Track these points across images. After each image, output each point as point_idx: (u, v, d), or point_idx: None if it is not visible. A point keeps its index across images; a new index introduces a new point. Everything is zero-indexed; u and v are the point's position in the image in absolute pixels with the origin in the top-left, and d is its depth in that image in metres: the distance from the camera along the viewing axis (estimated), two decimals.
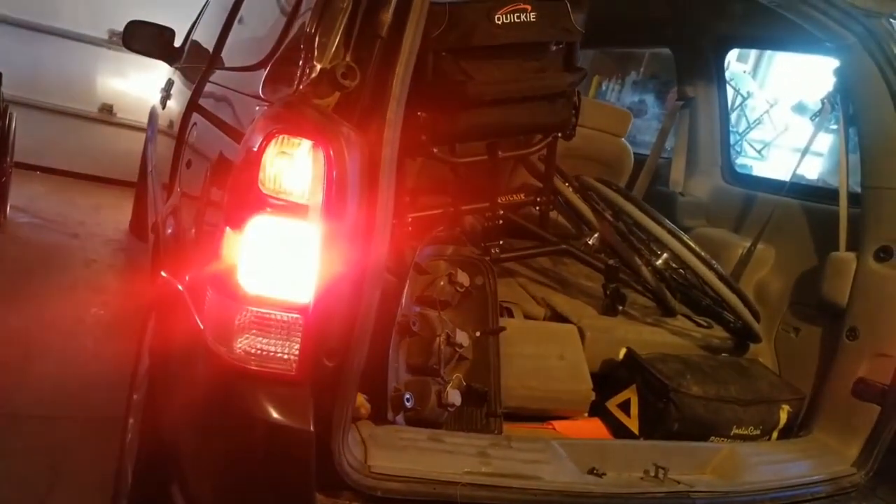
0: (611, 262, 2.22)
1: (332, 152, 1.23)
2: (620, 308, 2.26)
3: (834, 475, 1.92)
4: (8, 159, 4.79)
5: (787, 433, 2.10)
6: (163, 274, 1.80)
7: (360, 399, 1.46)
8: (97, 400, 2.52)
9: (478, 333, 1.72)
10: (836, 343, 2.13)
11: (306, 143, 1.23)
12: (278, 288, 1.26)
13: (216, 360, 1.30)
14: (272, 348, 1.27)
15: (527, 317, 2.15)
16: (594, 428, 1.96)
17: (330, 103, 1.30)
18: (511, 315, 2.08)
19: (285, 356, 1.27)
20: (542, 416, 1.93)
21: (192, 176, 1.90)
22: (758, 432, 1.96)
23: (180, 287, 1.59)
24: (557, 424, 1.92)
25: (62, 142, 5.69)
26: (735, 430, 1.92)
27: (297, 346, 1.27)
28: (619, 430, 1.95)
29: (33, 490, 2.09)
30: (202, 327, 1.36)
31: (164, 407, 1.56)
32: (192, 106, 2.15)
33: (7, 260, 4.29)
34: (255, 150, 1.25)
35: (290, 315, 1.26)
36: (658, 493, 1.56)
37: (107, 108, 6.16)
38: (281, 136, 1.24)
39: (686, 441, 1.85)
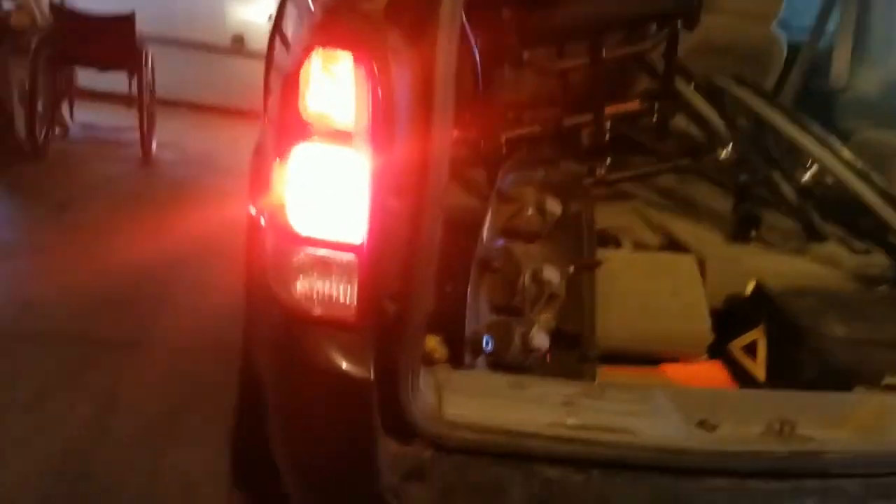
0: (744, 178, 1.90)
1: (375, 67, 1.07)
2: (754, 233, 1.95)
3: None
4: (149, 95, 5.09)
5: None
6: (251, 210, 1.77)
7: (433, 342, 1.35)
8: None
9: (571, 269, 1.53)
10: None
11: (346, 57, 1.08)
12: (328, 226, 1.14)
13: (276, 303, 1.23)
14: (329, 291, 1.17)
15: (638, 246, 1.91)
16: (713, 373, 1.73)
17: (379, 6, 1.13)
18: (619, 245, 1.85)
19: (343, 300, 1.17)
20: (652, 360, 1.72)
21: (270, 104, 1.82)
22: None
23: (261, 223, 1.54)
24: (669, 368, 1.71)
25: (197, 76, 5.93)
26: (889, 380, 1.61)
27: (354, 289, 1.16)
28: (742, 377, 1.71)
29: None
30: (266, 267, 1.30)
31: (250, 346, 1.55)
32: (274, 28, 2.05)
33: (156, 193, 4.61)
34: (295, 67, 1.12)
35: (344, 255, 1.15)
36: (780, 453, 1.33)
37: (238, 40, 6.33)
38: (319, 50, 1.09)
39: (824, 391, 1.58)
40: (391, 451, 1.25)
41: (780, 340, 1.64)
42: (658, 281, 1.73)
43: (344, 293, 1.17)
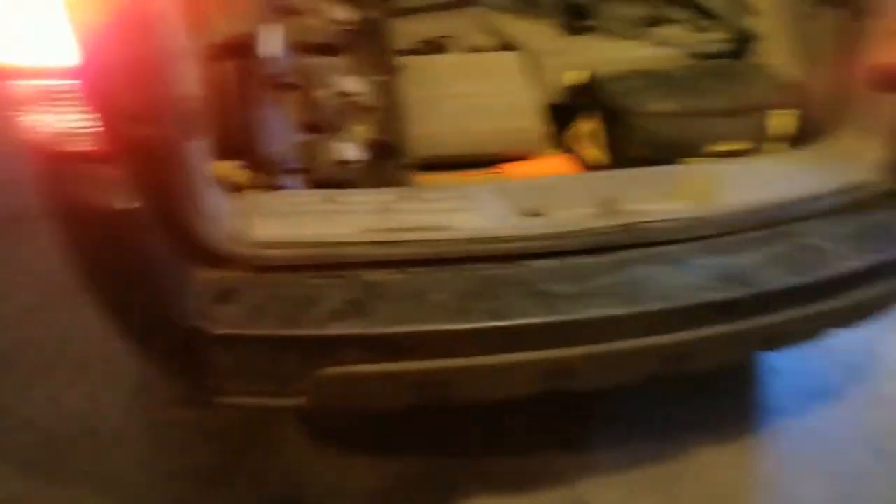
0: None
1: None
2: (587, 24, 1.87)
3: (852, 184, 1.61)
4: None
5: (798, 143, 1.79)
6: None
7: (227, 167, 1.25)
8: None
9: (378, 78, 1.42)
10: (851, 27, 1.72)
11: None
12: (35, 50, 0.98)
13: (27, 145, 1.09)
14: (66, 124, 1.02)
15: (470, 51, 1.81)
16: (558, 165, 1.70)
17: None
18: (442, 51, 1.74)
19: (82, 131, 1.03)
20: (490, 162, 1.67)
21: None
22: (746, 146, 1.64)
23: None
24: (509, 167, 1.66)
25: None
26: (713, 147, 1.61)
27: (89, 118, 1.02)
28: (589, 165, 1.69)
29: None
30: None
31: None
32: None
33: None
34: None
35: (65, 82, 1.00)
36: (602, 228, 1.33)
37: None
38: None
39: (654, 167, 1.57)
40: (199, 277, 1.19)
41: (611, 124, 1.61)
42: (486, 82, 1.65)
43: (81, 124, 1.03)
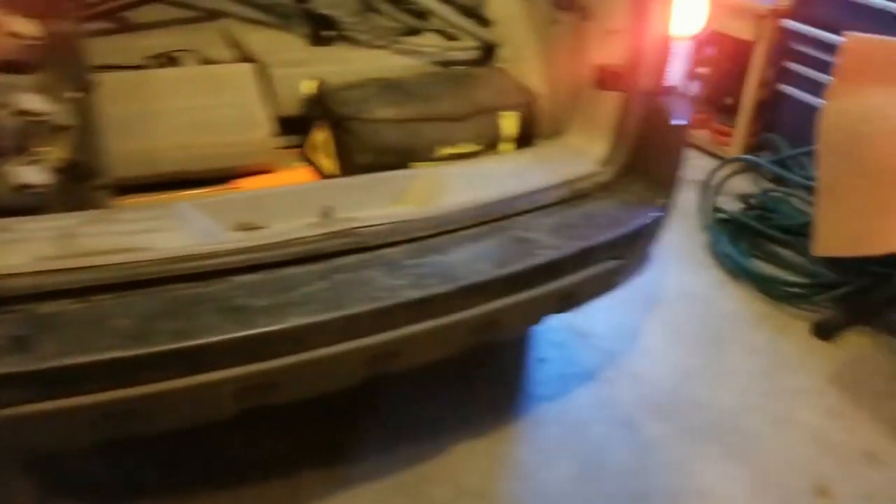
0: None
1: None
2: (334, 34, 1.89)
3: (573, 177, 1.73)
4: None
5: (529, 142, 1.89)
6: None
7: None
8: None
9: (71, 95, 1.35)
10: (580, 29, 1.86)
11: None
12: None
13: None
14: None
15: (207, 64, 1.77)
16: (294, 178, 1.70)
17: None
18: (174, 64, 1.69)
19: None
20: (224, 177, 1.64)
21: None
22: (478, 148, 1.72)
23: None
24: (245, 182, 1.64)
25: None
26: (444, 150, 1.68)
27: None
28: (325, 176, 1.69)
29: None
30: None
31: None
32: None
33: None
34: None
35: None
36: (313, 237, 1.33)
37: None
38: None
39: (383, 173, 1.61)
40: None
41: (338, 132, 1.63)
42: (213, 95, 1.62)
43: None
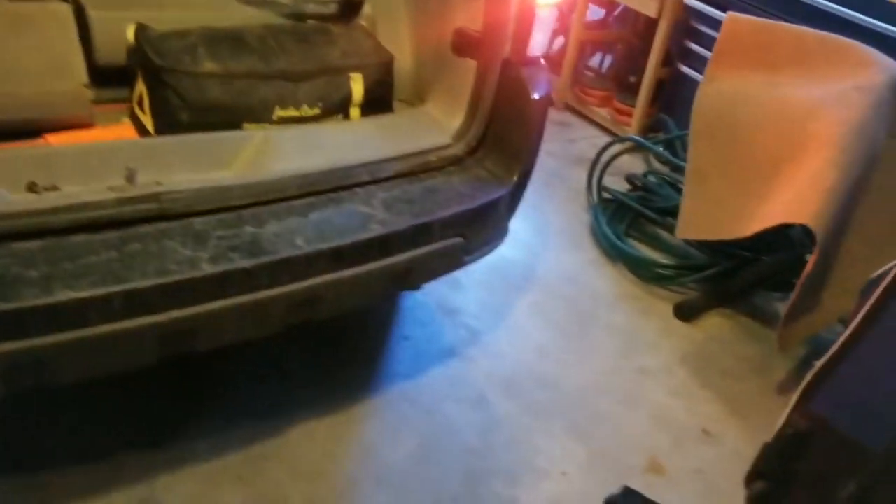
0: None
1: None
2: None
3: (420, 149, 1.66)
4: None
5: (385, 108, 1.81)
6: None
7: None
8: None
9: None
10: None
11: None
12: None
13: None
14: None
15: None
16: (113, 133, 1.56)
17: None
18: None
19: None
20: (30, 132, 1.48)
21: None
22: (316, 111, 1.62)
23: None
24: (55, 137, 1.49)
25: None
26: (281, 112, 1.57)
27: None
28: (144, 133, 1.56)
29: None
30: None
31: None
32: None
33: None
34: None
35: None
36: (107, 202, 1.22)
37: None
38: None
39: (210, 133, 1.49)
40: None
41: (157, 86, 1.50)
42: (14, 38, 1.45)
43: None
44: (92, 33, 1.55)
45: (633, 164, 3.20)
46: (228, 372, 1.88)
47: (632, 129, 3.57)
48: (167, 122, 1.48)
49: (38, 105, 1.46)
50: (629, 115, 3.62)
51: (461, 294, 2.35)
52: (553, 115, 3.93)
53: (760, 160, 2.02)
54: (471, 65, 1.71)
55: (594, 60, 4.47)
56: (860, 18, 2.69)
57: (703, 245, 2.66)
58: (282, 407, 1.80)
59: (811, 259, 1.86)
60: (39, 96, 1.46)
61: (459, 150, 1.70)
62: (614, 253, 2.67)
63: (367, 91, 1.69)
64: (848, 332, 1.52)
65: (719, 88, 2.21)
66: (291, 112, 1.58)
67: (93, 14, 1.56)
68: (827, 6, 2.80)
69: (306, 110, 1.60)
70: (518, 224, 2.82)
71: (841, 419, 1.51)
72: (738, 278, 2.56)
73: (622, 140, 3.19)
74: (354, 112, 1.69)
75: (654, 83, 3.49)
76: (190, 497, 1.53)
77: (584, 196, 3.01)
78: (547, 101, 1.74)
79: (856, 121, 1.88)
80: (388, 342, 2.10)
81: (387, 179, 1.55)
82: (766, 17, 2.33)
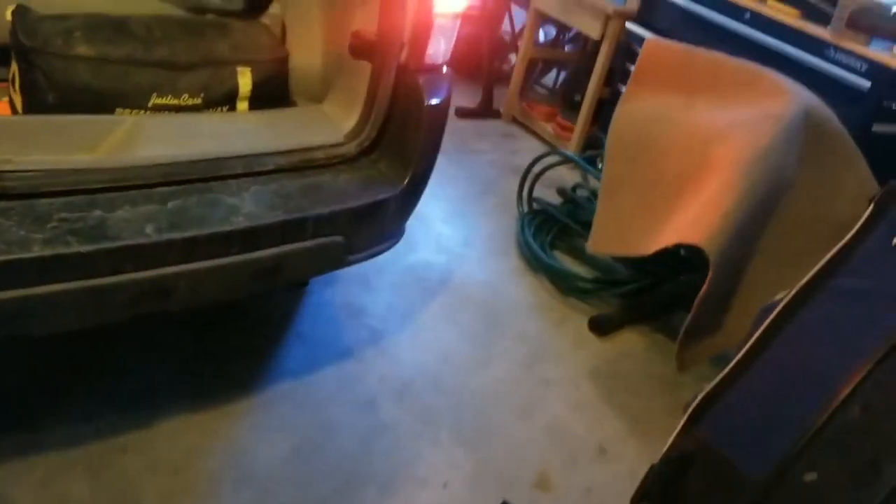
0: None
1: None
2: None
3: (304, 146, 1.63)
4: None
5: (277, 104, 1.78)
6: None
7: None
8: None
9: None
10: None
11: None
12: None
13: None
14: None
15: None
16: None
17: None
18: None
19: None
20: None
21: None
22: (197, 101, 1.59)
23: None
24: None
25: None
26: (157, 100, 1.54)
27: None
28: (16, 113, 1.52)
29: None
30: None
31: None
32: None
33: None
34: None
35: None
36: None
37: None
38: None
39: (83, 116, 1.46)
40: None
41: (26, 66, 1.46)
42: None
43: None
44: None
45: (572, 178, 3.20)
46: (102, 354, 1.83)
47: (572, 144, 3.58)
48: (35, 103, 1.45)
49: None
50: (571, 130, 3.64)
51: (370, 294, 2.33)
52: (499, 126, 3.96)
53: (667, 179, 2.03)
54: (367, 67, 1.70)
55: (549, 78, 4.51)
56: (782, 48, 2.73)
57: (626, 260, 2.66)
58: (154, 396, 1.75)
59: (706, 281, 1.85)
60: None
61: (350, 150, 1.68)
62: (536, 263, 2.66)
63: (256, 86, 1.67)
64: (736, 358, 1.52)
65: (636, 107, 2.22)
66: (169, 100, 1.55)
67: None
68: (750, 34, 2.83)
69: (186, 99, 1.57)
70: (444, 228, 2.85)
71: (725, 444, 1.50)
72: (656, 295, 2.57)
73: (554, 153, 3.20)
74: (242, 105, 1.67)
75: (595, 102, 3.52)
76: (34, 484, 1.48)
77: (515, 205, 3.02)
78: (443, 108, 1.72)
79: (761, 147, 1.88)
80: (283, 338, 2.06)
81: (265, 173, 1.52)
82: (695, 44, 2.36)
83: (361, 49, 1.69)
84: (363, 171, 1.70)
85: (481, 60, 4.03)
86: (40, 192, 1.26)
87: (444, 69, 1.77)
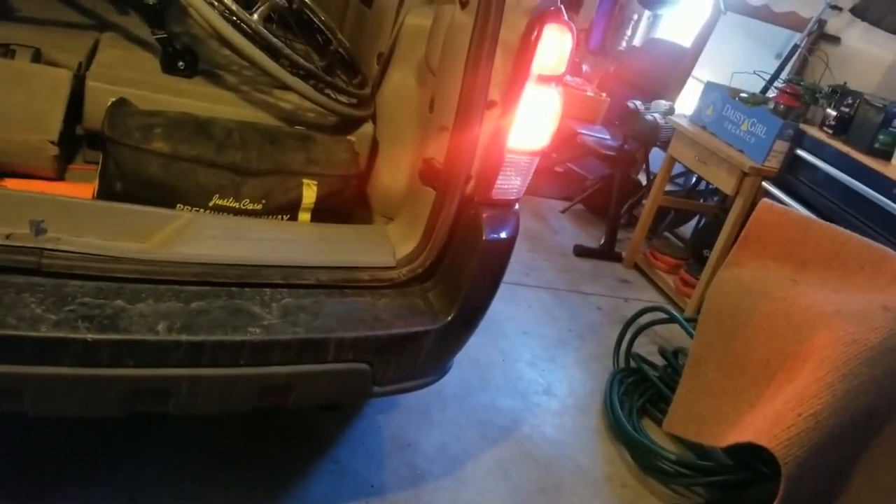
0: (152, 1, 1.78)
1: None
2: (186, 66, 1.86)
3: (350, 264, 1.58)
4: None
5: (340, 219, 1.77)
6: None
7: None
8: None
9: None
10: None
11: None
12: None
13: None
14: None
15: (47, 63, 1.77)
16: (66, 189, 1.64)
17: None
18: (10, 56, 1.70)
19: None
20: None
21: None
22: (258, 207, 1.60)
23: None
24: (12, 182, 1.59)
25: None
26: (220, 201, 1.57)
27: None
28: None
29: None
30: None
31: None
32: None
33: None
34: None
35: None
36: None
37: None
38: None
39: (145, 207, 1.50)
40: None
41: (105, 155, 1.55)
42: (10, 91, 1.60)
43: None
44: (85, 100, 1.69)
45: (685, 339, 2.91)
46: (120, 444, 1.81)
47: (691, 302, 3.29)
48: (106, 190, 1.53)
49: (2, 150, 1.58)
50: (693, 287, 3.36)
51: (424, 429, 2.17)
52: (618, 270, 3.76)
53: (755, 362, 1.74)
54: (431, 194, 1.66)
55: (688, 227, 4.29)
56: None
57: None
58: (165, 496, 1.69)
59: (777, 497, 1.51)
60: (5, 143, 1.58)
61: (400, 275, 1.61)
62: (616, 428, 2.38)
63: (320, 199, 1.67)
64: None
65: (738, 274, 1.97)
66: (230, 202, 1.58)
67: (91, 84, 1.69)
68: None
69: (247, 204, 1.59)
70: (528, 371, 2.65)
71: None
72: (752, 494, 2.17)
73: (655, 309, 2.94)
74: (304, 216, 1.67)
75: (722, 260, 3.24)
76: None
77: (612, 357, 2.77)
78: (505, 245, 1.62)
79: (873, 344, 1.56)
80: (317, 461, 1.95)
81: (302, 286, 1.48)
82: (834, 213, 2.09)
83: (429, 176, 1.66)
84: (409, 299, 1.61)
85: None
86: (74, 273, 1.30)
87: (517, 206, 1.69)
